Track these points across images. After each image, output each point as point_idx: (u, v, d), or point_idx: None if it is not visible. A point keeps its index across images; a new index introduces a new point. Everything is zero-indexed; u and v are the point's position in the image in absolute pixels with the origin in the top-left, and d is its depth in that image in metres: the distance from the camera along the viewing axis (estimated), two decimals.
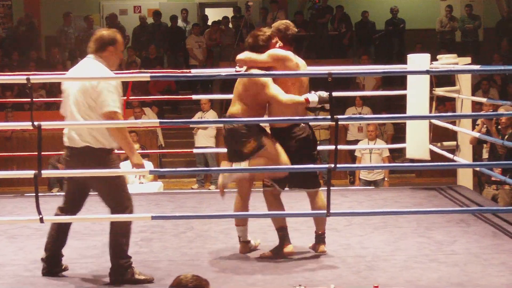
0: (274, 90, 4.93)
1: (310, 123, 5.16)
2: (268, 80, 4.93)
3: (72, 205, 4.77)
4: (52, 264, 4.75)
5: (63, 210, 4.76)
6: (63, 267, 4.77)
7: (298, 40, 15.31)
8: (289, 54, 5.04)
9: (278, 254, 5.07)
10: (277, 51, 5.03)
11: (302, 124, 5.06)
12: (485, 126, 7.59)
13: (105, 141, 4.59)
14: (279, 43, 5.08)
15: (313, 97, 4.90)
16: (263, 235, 5.62)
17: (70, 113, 4.63)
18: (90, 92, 4.53)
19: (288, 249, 5.09)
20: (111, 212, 4.65)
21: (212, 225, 6.02)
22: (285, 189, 5.13)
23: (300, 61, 5.12)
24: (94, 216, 6.29)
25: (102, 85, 4.52)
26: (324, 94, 4.92)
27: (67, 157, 4.68)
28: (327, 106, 4.93)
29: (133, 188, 8.92)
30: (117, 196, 4.62)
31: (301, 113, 5.01)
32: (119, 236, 4.60)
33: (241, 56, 5.09)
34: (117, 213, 4.59)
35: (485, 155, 9.42)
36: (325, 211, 4.74)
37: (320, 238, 5.18)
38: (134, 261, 5.03)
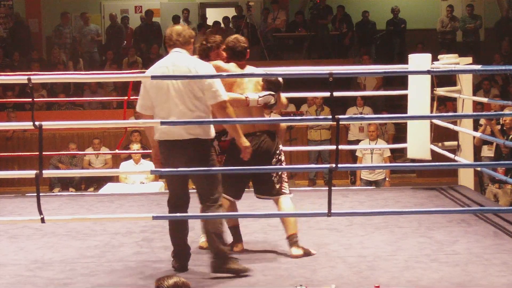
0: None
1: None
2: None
3: (179, 198, 4.93)
4: (183, 259, 4.85)
5: (172, 205, 4.93)
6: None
7: (299, 40, 15.37)
8: (230, 67, 5.05)
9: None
10: (219, 63, 5.05)
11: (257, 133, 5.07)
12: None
13: (212, 132, 4.67)
14: (224, 55, 5.14)
15: (252, 95, 5.02)
16: (263, 235, 5.64)
17: (174, 105, 4.60)
18: (199, 83, 4.56)
19: (237, 248, 5.21)
20: (204, 203, 4.75)
21: None
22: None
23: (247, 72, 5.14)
24: (94, 216, 6.31)
25: None
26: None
27: (166, 151, 4.72)
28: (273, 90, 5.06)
29: (134, 188, 8.91)
30: (214, 190, 4.71)
31: (242, 115, 4.99)
32: (217, 225, 4.67)
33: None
34: (210, 206, 4.69)
35: (486, 153, 9.44)
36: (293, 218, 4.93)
37: (291, 241, 5.07)
38: (135, 261, 5.06)
